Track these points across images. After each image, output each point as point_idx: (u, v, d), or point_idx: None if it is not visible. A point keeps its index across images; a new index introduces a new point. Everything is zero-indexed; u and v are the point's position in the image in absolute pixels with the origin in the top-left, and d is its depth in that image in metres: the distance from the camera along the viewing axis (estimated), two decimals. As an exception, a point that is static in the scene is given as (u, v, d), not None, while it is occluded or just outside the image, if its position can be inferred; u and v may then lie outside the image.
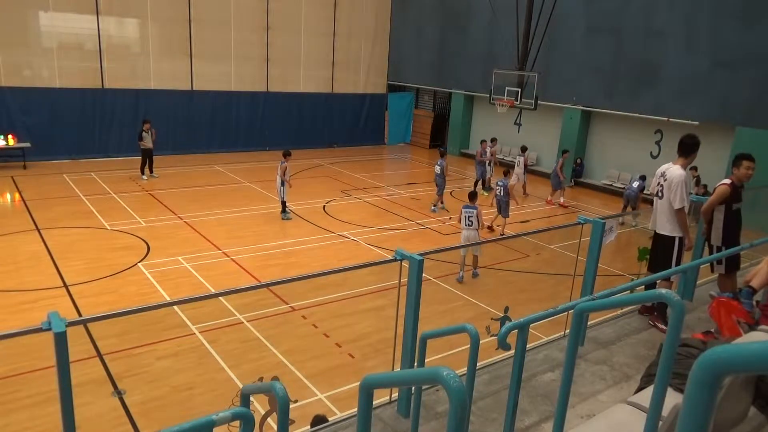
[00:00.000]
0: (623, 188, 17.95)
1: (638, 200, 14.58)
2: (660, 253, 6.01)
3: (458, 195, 16.84)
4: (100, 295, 8.90)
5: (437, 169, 14.87)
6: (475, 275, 10.45)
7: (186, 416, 2.49)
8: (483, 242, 11.67)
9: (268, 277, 9.55)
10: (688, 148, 5.76)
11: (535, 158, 21.17)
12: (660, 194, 5.90)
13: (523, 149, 17.19)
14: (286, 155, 13.23)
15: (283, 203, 13.42)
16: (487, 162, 17.28)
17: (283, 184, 13.12)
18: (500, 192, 12.96)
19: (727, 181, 6.34)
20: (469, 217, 10.15)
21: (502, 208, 12.96)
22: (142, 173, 16.47)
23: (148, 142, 16.22)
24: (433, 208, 14.95)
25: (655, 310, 5.96)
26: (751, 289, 4.67)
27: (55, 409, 2.83)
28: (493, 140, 18.01)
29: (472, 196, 10.55)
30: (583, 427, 3.30)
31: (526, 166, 17.18)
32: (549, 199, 16.71)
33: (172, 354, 7.21)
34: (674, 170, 5.78)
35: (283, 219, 13.34)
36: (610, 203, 16.99)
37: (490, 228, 13.31)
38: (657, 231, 6.01)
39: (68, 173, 16.56)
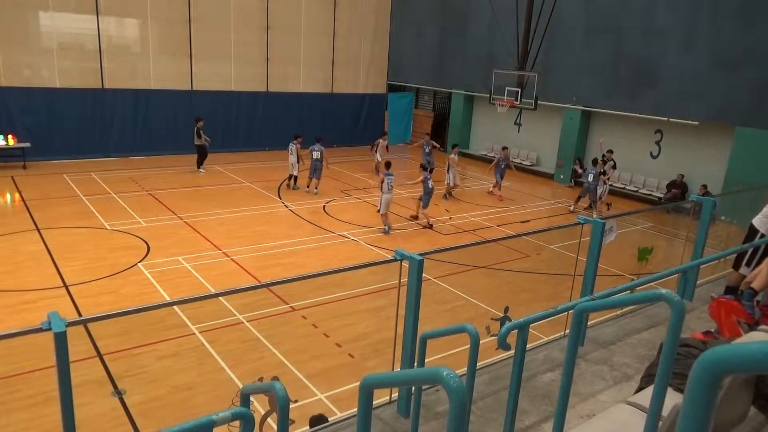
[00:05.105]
0: (622, 188, 18.04)
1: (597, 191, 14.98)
2: None
3: (458, 195, 16.84)
4: (100, 295, 8.89)
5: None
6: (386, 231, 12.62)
7: (186, 416, 2.49)
8: (484, 242, 11.65)
9: (268, 277, 9.55)
10: None
11: (536, 158, 21.22)
12: None
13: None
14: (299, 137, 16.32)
15: (296, 177, 16.27)
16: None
17: (298, 160, 16.02)
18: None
19: None
20: (389, 183, 12.50)
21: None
22: (198, 167, 17.69)
23: (196, 140, 17.29)
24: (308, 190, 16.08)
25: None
26: (753, 290, 4.66)
27: (55, 409, 2.84)
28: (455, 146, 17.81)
29: (389, 165, 13.12)
30: (583, 427, 3.30)
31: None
32: (497, 193, 16.90)
33: (172, 354, 7.21)
34: None
35: (295, 189, 16.23)
36: (611, 203, 16.97)
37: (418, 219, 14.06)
38: None
39: (68, 173, 16.55)
